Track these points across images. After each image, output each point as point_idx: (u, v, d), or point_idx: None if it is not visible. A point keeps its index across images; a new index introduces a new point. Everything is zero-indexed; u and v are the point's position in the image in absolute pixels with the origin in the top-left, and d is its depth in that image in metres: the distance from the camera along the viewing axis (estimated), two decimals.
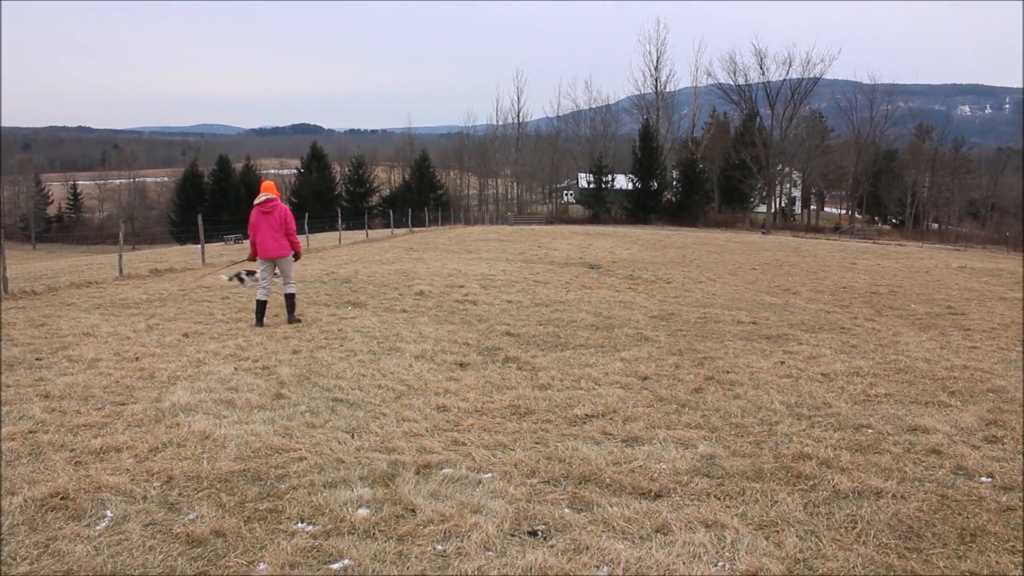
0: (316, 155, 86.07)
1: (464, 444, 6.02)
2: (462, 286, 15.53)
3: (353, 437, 6.13)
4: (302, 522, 4.56)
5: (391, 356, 9.19)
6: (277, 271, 11.74)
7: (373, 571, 4.01)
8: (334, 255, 24.74)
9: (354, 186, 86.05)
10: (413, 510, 4.72)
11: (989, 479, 5.68)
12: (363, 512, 4.69)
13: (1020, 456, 6.24)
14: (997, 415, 7.42)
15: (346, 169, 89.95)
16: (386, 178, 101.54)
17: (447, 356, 9.29)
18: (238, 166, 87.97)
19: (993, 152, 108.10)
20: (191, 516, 4.60)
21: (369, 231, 38.39)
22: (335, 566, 4.06)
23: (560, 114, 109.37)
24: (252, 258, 11.75)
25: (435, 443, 5.99)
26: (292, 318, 11.52)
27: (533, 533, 4.48)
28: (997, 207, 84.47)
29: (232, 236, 39.03)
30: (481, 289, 15.29)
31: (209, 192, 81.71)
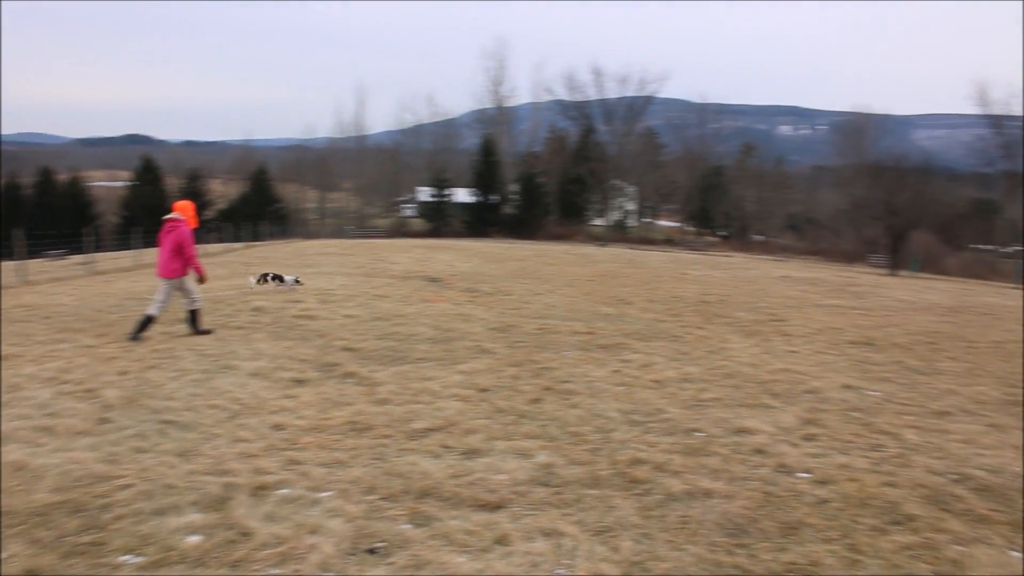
0: (148, 167, 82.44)
1: (301, 463, 5.88)
2: (300, 301, 15.20)
3: (184, 460, 5.88)
4: (128, 554, 4.34)
5: (225, 374, 8.89)
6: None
7: None
8: None
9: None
10: (248, 534, 4.57)
11: (807, 475, 6.01)
12: (194, 539, 4.51)
13: (835, 452, 6.63)
14: (814, 414, 7.88)
15: (181, 182, 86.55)
16: (223, 191, 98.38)
17: (284, 373, 9.06)
18: (63, 178, 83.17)
19: (810, 169, 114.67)
20: (3, 556, 4.29)
21: (205, 246, 37.11)
22: None
23: (402, 127, 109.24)
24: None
25: (271, 463, 5.83)
26: (197, 330, 11.58)
27: (373, 551, 4.43)
28: (813, 221, 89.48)
29: (56, 251, 36.76)
30: (319, 304, 15.01)
31: (31, 205, 76.90)
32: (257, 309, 13.97)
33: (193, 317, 11.70)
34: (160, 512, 4.87)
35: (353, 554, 4.39)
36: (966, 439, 7.37)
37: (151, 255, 31.04)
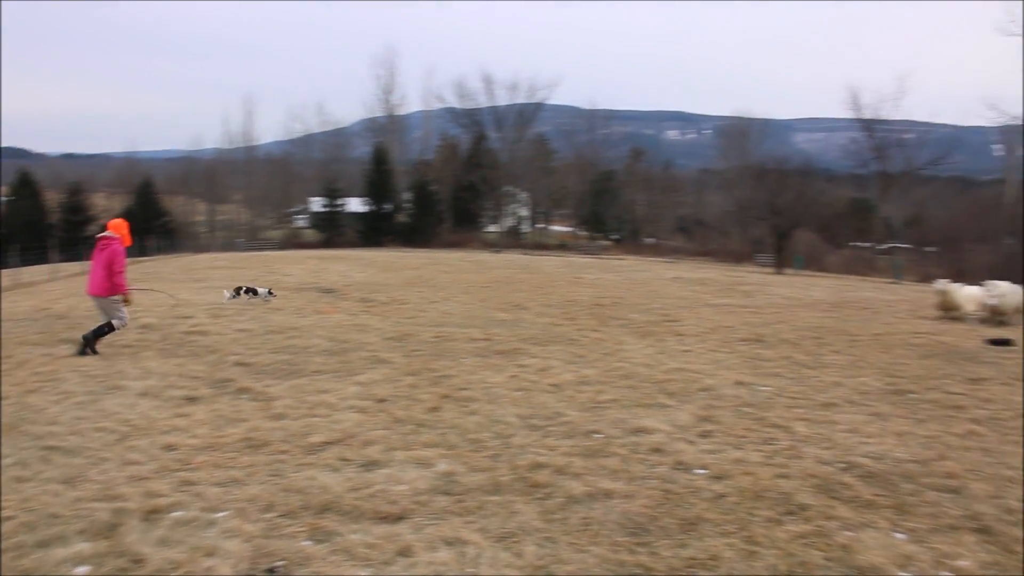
0: (25, 181, 79.04)
1: (195, 483, 5.70)
2: (190, 316, 14.80)
3: (70, 487, 5.63)
4: None
5: (113, 395, 8.55)
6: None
7: None
8: (48, 289, 22.83)
9: (70, 214, 79.70)
10: (140, 561, 4.41)
11: (704, 471, 6.14)
12: (82, 570, 4.32)
13: (729, 447, 6.80)
14: (709, 411, 8.06)
15: (61, 196, 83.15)
16: (107, 206, 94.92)
17: (175, 391, 8.78)
18: None
19: (697, 173, 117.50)
20: None
21: (88, 262, 35.57)
22: None
23: (292, 137, 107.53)
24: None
25: (163, 485, 5.63)
26: (88, 345, 11.12)
27: (272, 571, 4.33)
28: (702, 222, 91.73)
29: None
30: (211, 319, 14.63)
31: None
32: (145, 326, 13.53)
33: (97, 333, 11.30)
34: (44, 544, 4.64)
35: (252, 575, 4.28)
36: (851, 429, 7.65)
37: (28, 274, 29.79)
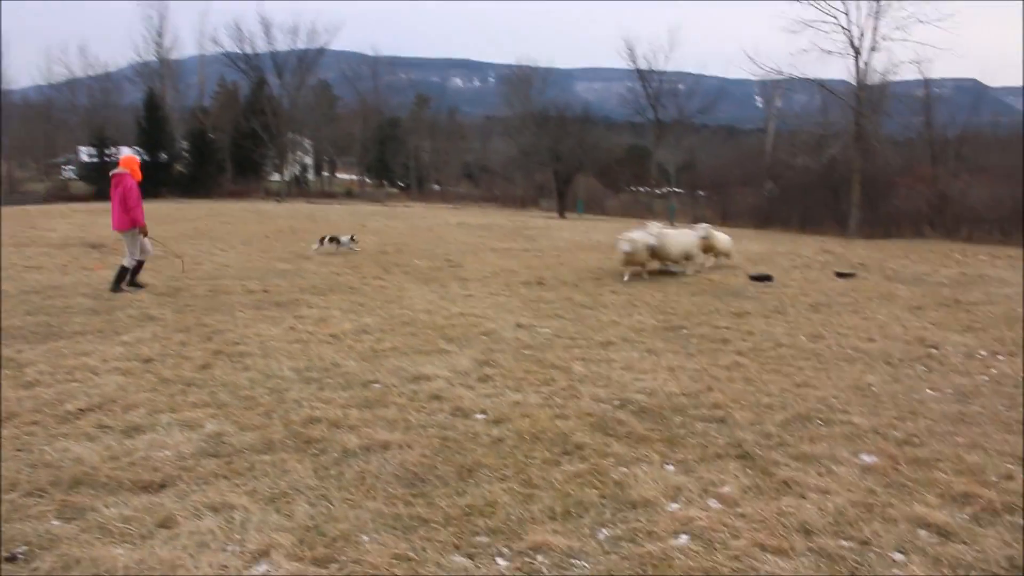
0: None
1: None
2: None
3: None
4: None
5: None
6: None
7: None
8: None
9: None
10: None
11: (483, 415, 6.12)
12: None
13: (509, 390, 6.82)
14: (489, 355, 8.08)
15: None
16: None
17: None
18: None
19: (482, 120, 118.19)
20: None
21: None
22: None
23: (53, 82, 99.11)
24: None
25: None
26: (115, 287, 12.17)
27: (12, 559, 3.89)
28: (487, 169, 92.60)
29: None
30: None
31: None
32: None
33: (126, 271, 12.29)
34: None
35: None
36: (627, 366, 7.89)
37: None
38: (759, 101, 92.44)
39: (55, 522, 4.28)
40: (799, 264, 18.77)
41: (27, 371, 7.45)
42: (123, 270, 12.30)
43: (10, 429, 5.80)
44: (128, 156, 12.63)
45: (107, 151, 77.32)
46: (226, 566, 3.79)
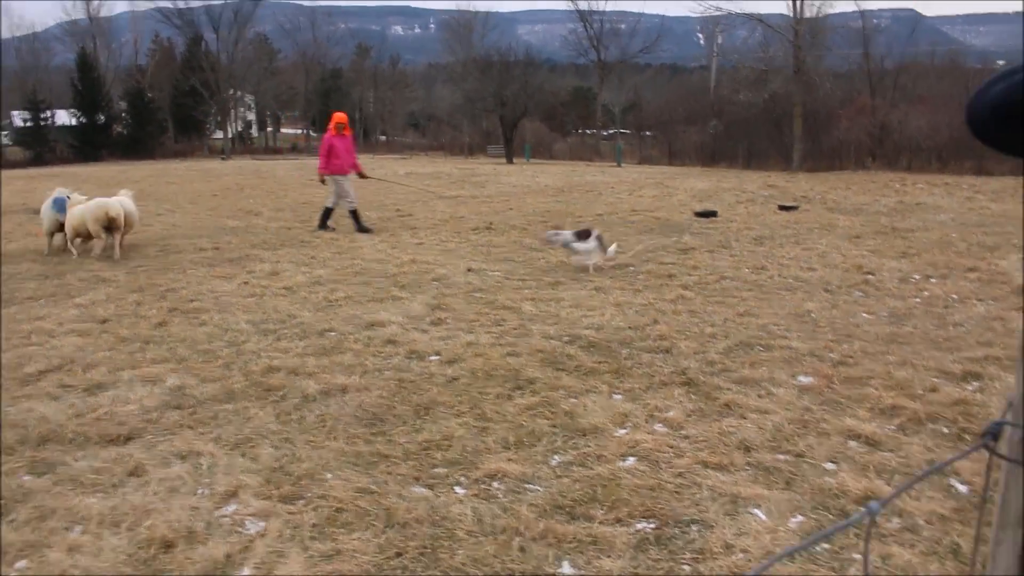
0: None
1: None
2: None
3: None
4: None
5: None
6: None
7: None
8: None
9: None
10: None
11: (437, 357, 6.32)
12: None
13: (462, 332, 7.02)
14: (441, 300, 8.27)
15: None
16: None
17: None
18: None
19: (425, 68, 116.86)
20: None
21: None
22: None
23: None
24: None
25: None
26: (361, 226, 14.15)
27: None
28: (433, 117, 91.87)
29: None
30: None
31: None
32: None
33: (355, 217, 14.21)
34: None
35: None
36: (575, 304, 8.12)
37: None
38: (700, 38, 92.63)
39: (26, 477, 4.40)
40: (743, 199, 19.12)
41: None
42: (326, 211, 14.47)
43: None
44: (343, 113, 15.09)
45: (41, 115, 75.26)
46: (197, 507, 3.95)
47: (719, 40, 68.43)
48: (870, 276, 9.52)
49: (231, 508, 3.97)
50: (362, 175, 14.97)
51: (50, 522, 3.89)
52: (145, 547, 3.61)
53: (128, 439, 4.87)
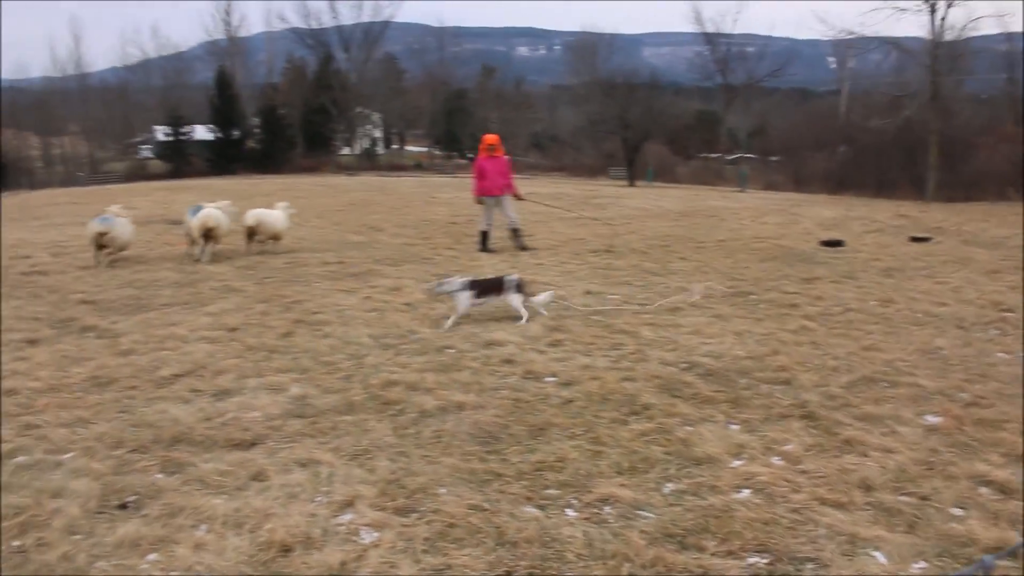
0: None
1: (38, 427, 5.49)
2: (28, 256, 14.07)
3: None
4: None
5: None
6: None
7: None
8: None
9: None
10: None
11: (553, 378, 6.36)
12: None
13: (578, 355, 7.04)
14: (559, 322, 8.30)
15: None
16: None
17: (13, 335, 8.37)
18: None
19: (549, 89, 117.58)
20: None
21: None
22: None
23: (128, 64, 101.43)
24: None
25: (3, 431, 5.42)
26: (521, 244, 14.62)
27: (124, 506, 4.27)
28: (556, 138, 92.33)
29: None
30: (51, 258, 13.95)
31: None
32: None
33: (517, 234, 14.70)
34: None
35: (102, 512, 4.21)
36: (694, 331, 8.03)
37: None
38: (832, 62, 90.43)
39: (159, 475, 4.65)
40: (872, 229, 18.55)
41: (122, 340, 7.92)
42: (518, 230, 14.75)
43: (112, 393, 6.23)
44: (495, 136, 15.21)
45: (181, 130, 79.00)
46: (315, 514, 4.10)
47: (851, 64, 66.79)
48: (1008, 314, 9.09)
49: (347, 517, 4.10)
50: (518, 196, 14.90)
51: (179, 519, 4.09)
52: (265, 549, 3.77)
53: (252, 444, 5.08)
